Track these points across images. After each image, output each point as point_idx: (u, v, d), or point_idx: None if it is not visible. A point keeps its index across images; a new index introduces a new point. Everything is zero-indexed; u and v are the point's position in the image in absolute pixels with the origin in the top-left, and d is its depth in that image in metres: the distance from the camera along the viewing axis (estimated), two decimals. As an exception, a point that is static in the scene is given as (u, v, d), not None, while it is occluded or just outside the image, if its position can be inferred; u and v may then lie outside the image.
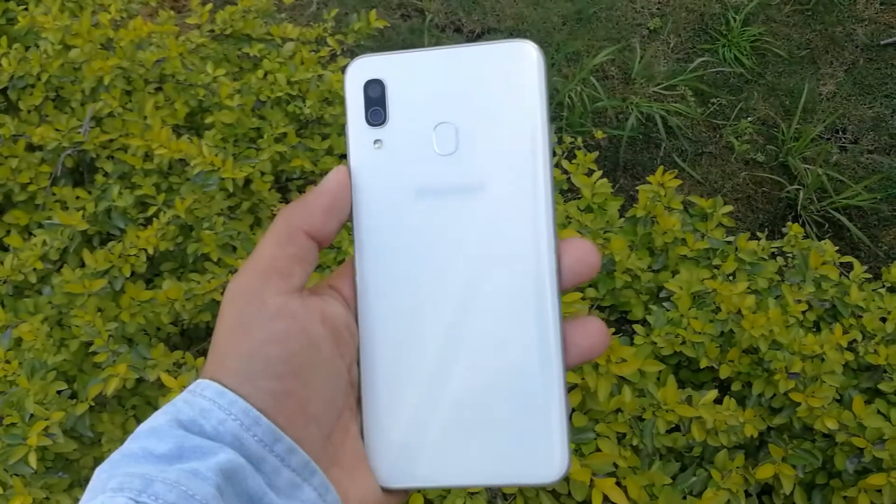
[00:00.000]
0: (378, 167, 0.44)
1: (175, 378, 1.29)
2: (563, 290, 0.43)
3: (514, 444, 0.41)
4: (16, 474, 1.21)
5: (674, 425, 1.30)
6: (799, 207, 2.45)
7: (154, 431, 0.38)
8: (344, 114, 0.46)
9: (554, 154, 0.48)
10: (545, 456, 0.41)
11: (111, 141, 1.65)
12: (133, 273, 1.47)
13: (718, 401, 1.34)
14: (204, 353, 1.63)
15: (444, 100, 0.43)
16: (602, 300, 1.55)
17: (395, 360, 0.43)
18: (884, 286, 1.58)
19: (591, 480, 1.20)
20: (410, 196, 0.43)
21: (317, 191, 0.43)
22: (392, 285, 0.43)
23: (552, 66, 2.77)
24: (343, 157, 1.75)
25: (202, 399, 0.39)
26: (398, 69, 0.45)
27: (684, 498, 1.31)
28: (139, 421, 1.48)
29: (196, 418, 0.39)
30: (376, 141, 0.44)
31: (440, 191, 0.43)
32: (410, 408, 0.43)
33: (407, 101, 0.44)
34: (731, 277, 1.51)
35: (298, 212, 0.42)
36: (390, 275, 0.43)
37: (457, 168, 0.42)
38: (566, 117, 2.59)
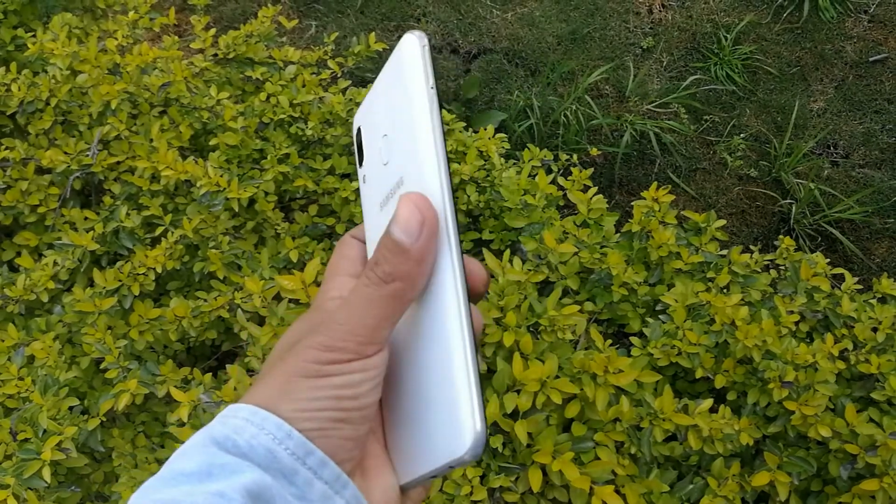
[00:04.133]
0: (367, 197, 0.49)
1: (184, 393, 1.32)
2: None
3: (434, 428, 0.42)
4: (30, 488, 1.23)
5: (671, 434, 1.33)
6: (792, 221, 2.49)
7: (185, 452, 0.40)
8: None
9: (446, 130, 0.47)
10: (456, 433, 0.41)
11: (118, 163, 1.69)
12: (141, 292, 1.51)
13: (714, 410, 1.37)
14: (210, 370, 1.66)
15: (382, 116, 0.48)
16: (600, 314, 1.58)
17: (392, 362, 0.46)
18: (875, 297, 1.62)
19: (591, 488, 1.22)
20: (378, 211, 0.48)
21: (418, 253, 0.43)
22: None
23: (548, 86, 2.82)
24: (344, 176, 1.79)
25: (235, 419, 0.41)
26: (364, 110, 0.50)
27: (682, 505, 1.34)
28: (148, 436, 1.52)
29: (230, 435, 0.40)
30: (364, 177, 0.50)
31: (387, 198, 0.47)
32: (395, 408, 0.46)
33: (370, 134, 0.49)
34: (725, 290, 1.55)
35: (409, 284, 0.43)
36: None
37: (389, 172, 0.46)
38: (562, 135, 2.63)
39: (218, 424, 0.41)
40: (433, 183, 0.42)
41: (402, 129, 0.45)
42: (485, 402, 0.43)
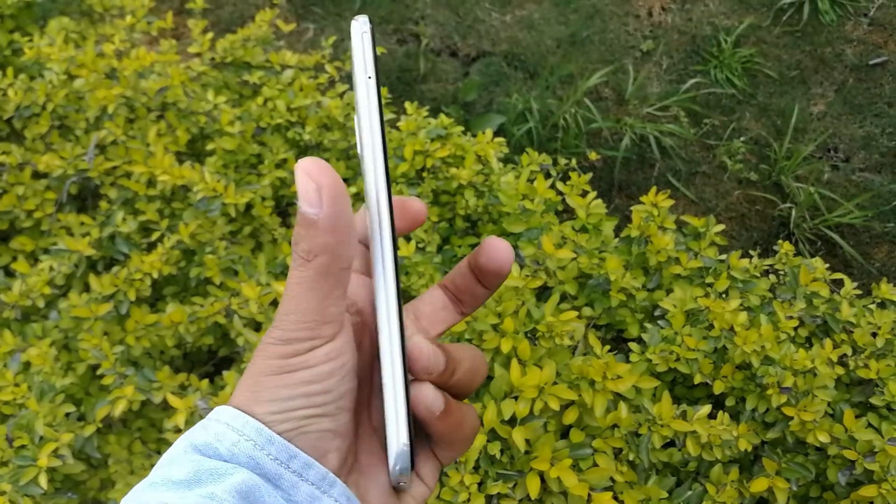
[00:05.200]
0: None
1: (181, 399, 1.31)
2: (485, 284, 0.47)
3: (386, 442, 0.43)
4: (27, 494, 1.23)
5: (669, 440, 1.32)
6: (792, 225, 2.48)
7: (172, 459, 0.40)
8: None
9: (382, 106, 0.47)
10: (391, 442, 0.42)
11: (115, 168, 1.69)
12: (138, 297, 1.50)
13: (712, 416, 1.36)
14: (207, 375, 1.65)
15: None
16: (598, 319, 1.57)
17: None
18: (874, 302, 1.61)
19: (589, 495, 1.22)
20: None
21: (326, 223, 0.43)
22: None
23: (547, 89, 2.82)
24: (343, 181, 1.78)
25: (217, 423, 0.40)
26: None
27: (681, 512, 1.33)
28: (144, 443, 1.51)
29: (211, 442, 0.40)
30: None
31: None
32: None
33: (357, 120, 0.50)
34: (723, 295, 1.54)
35: (330, 256, 0.42)
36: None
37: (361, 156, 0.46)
38: (561, 139, 2.63)
39: (200, 430, 0.41)
40: (368, 170, 0.43)
41: (358, 113, 0.45)
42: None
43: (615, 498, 1.25)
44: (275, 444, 0.40)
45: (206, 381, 1.42)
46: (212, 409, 1.32)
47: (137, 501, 0.38)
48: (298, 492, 0.40)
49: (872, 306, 1.57)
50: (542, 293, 1.57)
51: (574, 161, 2.04)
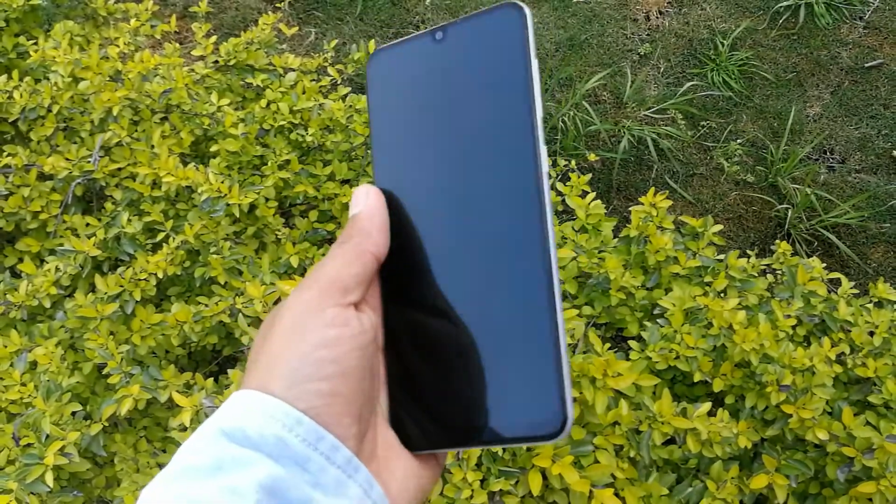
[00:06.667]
0: None
1: (186, 397, 1.32)
2: None
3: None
4: (33, 492, 1.24)
5: (669, 437, 1.34)
6: (788, 226, 2.50)
7: (194, 444, 0.40)
8: None
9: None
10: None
11: (120, 169, 1.70)
12: (143, 297, 1.52)
13: (712, 413, 1.38)
14: (212, 375, 1.66)
15: None
16: (598, 317, 1.59)
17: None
18: (871, 301, 1.63)
19: (591, 491, 1.23)
20: None
21: (366, 214, 0.47)
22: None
23: (546, 92, 2.83)
24: (344, 182, 1.80)
25: (243, 406, 0.40)
26: None
27: (681, 508, 1.34)
28: (150, 441, 1.53)
29: (239, 425, 0.39)
30: None
31: None
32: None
33: None
34: (722, 294, 1.56)
35: (364, 236, 0.46)
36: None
37: None
38: (560, 141, 2.65)
39: (226, 413, 0.41)
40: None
41: None
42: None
43: (616, 495, 1.26)
44: (304, 424, 0.40)
45: (210, 380, 1.43)
46: (216, 406, 1.34)
47: (160, 494, 0.38)
48: (326, 475, 0.40)
49: (869, 305, 1.59)
50: (543, 293, 1.58)
51: (573, 162, 2.06)
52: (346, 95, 1.90)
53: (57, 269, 1.53)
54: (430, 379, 0.45)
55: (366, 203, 0.47)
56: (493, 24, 0.45)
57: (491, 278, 0.44)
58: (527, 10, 0.44)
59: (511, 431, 0.42)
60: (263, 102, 1.82)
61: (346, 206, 1.73)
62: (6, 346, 1.45)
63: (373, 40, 2.00)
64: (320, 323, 0.42)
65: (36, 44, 1.81)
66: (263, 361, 0.42)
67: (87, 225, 1.67)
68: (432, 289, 0.46)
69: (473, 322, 0.44)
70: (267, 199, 1.70)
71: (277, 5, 3.05)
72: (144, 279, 1.51)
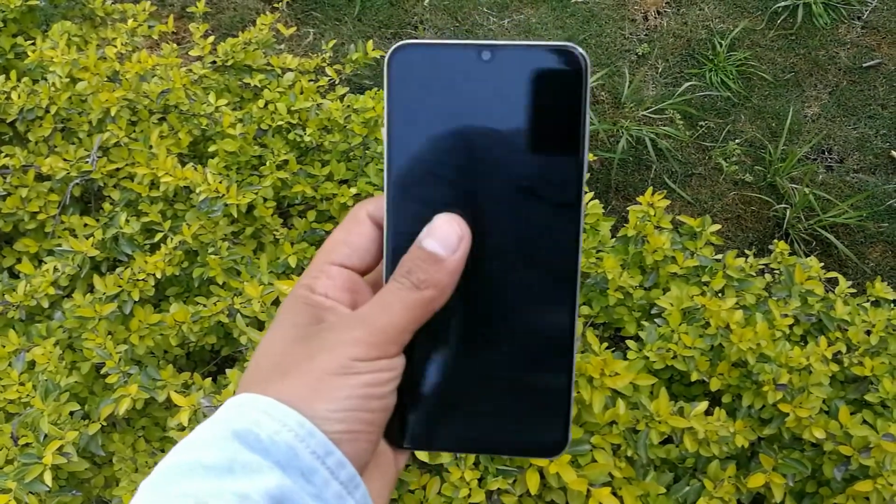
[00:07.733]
0: None
1: (185, 397, 1.33)
2: None
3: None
4: (31, 492, 1.24)
5: (667, 436, 1.34)
6: (787, 226, 2.50)
7: (205, 441, 0.40)
8: None
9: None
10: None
11: (118, 170, 1.70)
12: (141, 297, 1.52)
13: (709, 412, 1.38)
14: (210, 375, 1.67)
15: None
16: (596, 317, 1.59)
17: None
18: (868, 300, 1.63)
19: (588, 490, 1.23)
20: None
21: (455, 266, 0.45)
22: None
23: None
24: (342, 182, 1.80)
25: (255, 411, 0.40)
26: None
27: (678, 507, 1.35)
28: (148, 441, 1.53)
29: (251, 428, 0.40)
30: None
31: None
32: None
33: None
34: (719, 294, 1.56)
35: (441, 293, 0.45)
36: None
37: None
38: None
39: (237, 415, 0.41)
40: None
41: None
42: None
43: (614, 493, 1.26)
44: (315, 437, 0.40)
45: (209, 380, 1.43)
46: (215, 406, 1.34)
47: (173, 491, 0.38)
48: (329, 489, 0.40)
49: (867, 305, 1.59)
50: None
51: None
52: (343, 95, 1.90)
53: (55, 269, 1.54)
54: (451, 388, 0.47)
55: (459, 249, 0.44)
56: (551, 62, 0.43)
57: (522, 319, 0.46)
58: (588, 60, 0.44)
59: (513, 446, 0.47)
60: (261, 103, 1.82)
61: (343, 207, 1.73)
62: (4, 346, 1.45)
63: (371, 41, 2.00)
64: (376, 367, 0.43)
65: (34, 44, 1.81)
66: (310, 378, 0.42)
67: (86, 225, 1.67)
68: (464, 309, 0.46)
69: (501, 342, 0.46)
70: (265, 200, 1.70)
71: (275, 5, 3.05)
72: (143, 279, 1.52)
